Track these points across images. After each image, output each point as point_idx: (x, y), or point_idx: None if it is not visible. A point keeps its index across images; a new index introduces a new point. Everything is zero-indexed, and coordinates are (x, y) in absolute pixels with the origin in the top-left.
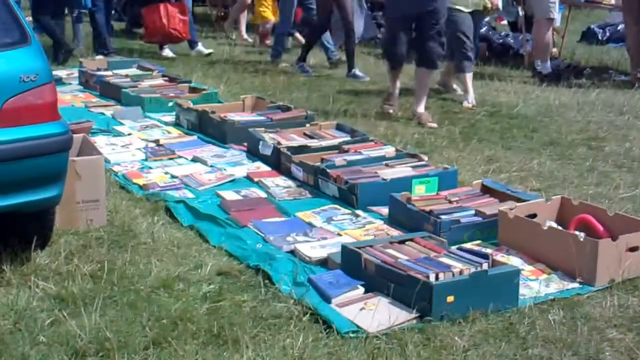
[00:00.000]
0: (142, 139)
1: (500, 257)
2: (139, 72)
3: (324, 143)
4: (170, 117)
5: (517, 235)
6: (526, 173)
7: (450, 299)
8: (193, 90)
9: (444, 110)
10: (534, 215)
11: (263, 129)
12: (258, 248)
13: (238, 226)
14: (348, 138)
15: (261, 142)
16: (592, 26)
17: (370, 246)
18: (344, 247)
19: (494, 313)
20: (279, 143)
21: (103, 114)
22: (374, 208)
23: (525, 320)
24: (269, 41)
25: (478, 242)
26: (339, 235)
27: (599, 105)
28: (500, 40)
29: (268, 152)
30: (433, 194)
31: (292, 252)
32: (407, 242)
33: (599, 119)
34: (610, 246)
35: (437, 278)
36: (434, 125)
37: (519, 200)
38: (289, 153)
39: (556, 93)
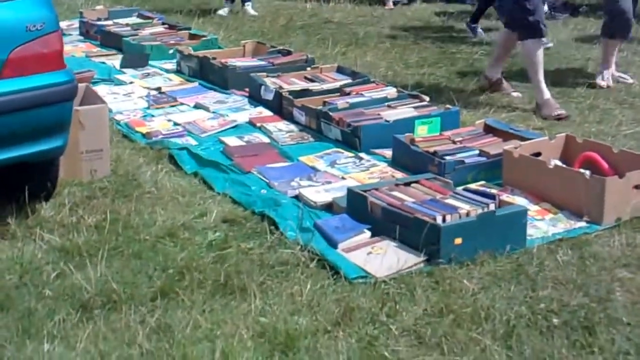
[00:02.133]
0: (144, 87)
1: (505, 197)
2: (139, 20)
3: (325, 86)
4: (171, 65)
5: (522, 174)
6: (528, 112)
7: (457, 241)
8: (193, 37)
9: (442, 51)
10: (539, 154)
11: (264, 73)
12: (263, 194)
13: (242, 172)
14: (349, 80)
15: (263, 87)
16: None
17: (376, 189)
18: (349, 191)
19: (502, 254)
20: (280, 87)
21: (104, 63)
22: (378, 150)
23: (534, 262)
24: None
25: (482, 182)
26: (343, 179)
27: (596, 42)
28: None
29: (270, 96)
30: (436, 134)
31: (297, 197)
32: (412, 184)
33: (598, 56)
34: (617, 184)
35: (444, 220)
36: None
37: (522, 139)
38: (290, 97)
39: (553, 31)
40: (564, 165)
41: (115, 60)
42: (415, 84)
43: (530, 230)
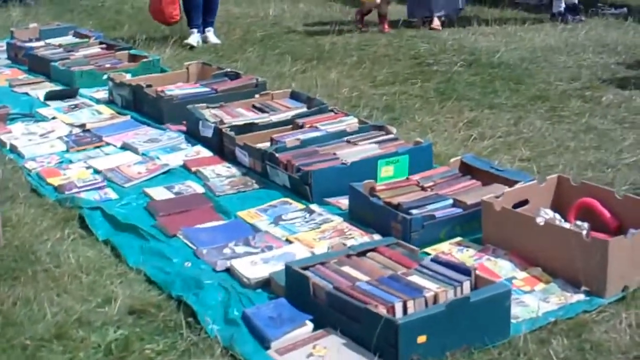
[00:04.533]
0: (68, 123)
1: (485, 260)
2: (74, 40)
3: (274, 118)
4: (104, 93)
5: (506, 231)
6: (513, 138)
7: (421, 339)
8: (134, 58)
9: (417, 62)
10: (526, 202)
11: (204, 104)
12: (186, 268)
13: (166, 236)
14: (304, 109)
15: (201, 122)
16: None
17: (322, 263)
18: (288, 268)
19: (480, 350)
20: (221, 122)
21: (27, 94)
22: (332, 200)
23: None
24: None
25: (459, 239)
26: (288, 241)
27: (589, 46)
28: None
29: (209, 133)
30: (402, 178)
31: (228, 270)
32: (368, 254)
33: (592, 62)
34: (622, 244)
35: (404, 308)
36: None
37: (506, 181)
38: (232, 134)
39: (541, 33)
40: (556, 215)
41: (41, 90)
42: (384, 107)
43: (515, 309)
